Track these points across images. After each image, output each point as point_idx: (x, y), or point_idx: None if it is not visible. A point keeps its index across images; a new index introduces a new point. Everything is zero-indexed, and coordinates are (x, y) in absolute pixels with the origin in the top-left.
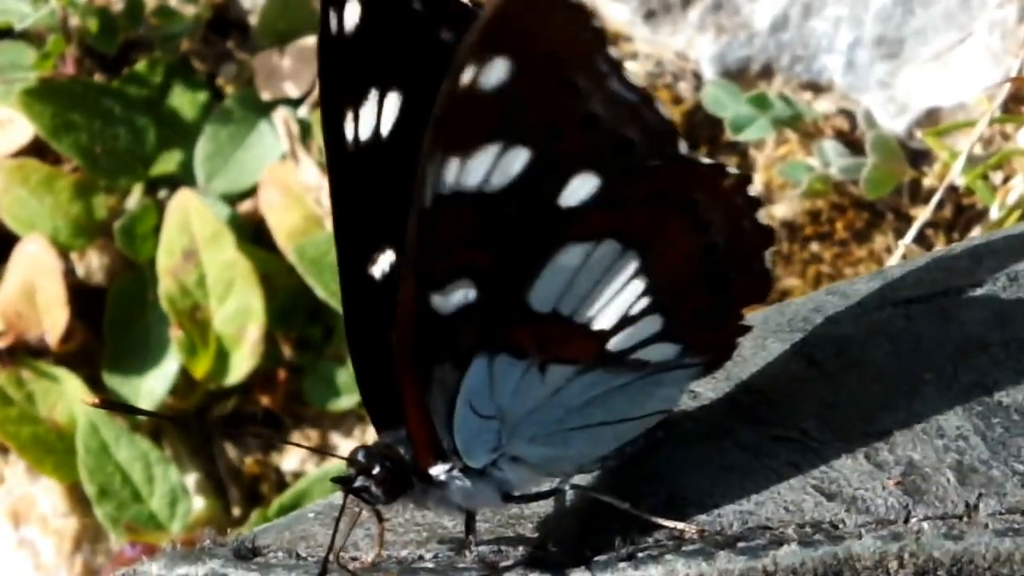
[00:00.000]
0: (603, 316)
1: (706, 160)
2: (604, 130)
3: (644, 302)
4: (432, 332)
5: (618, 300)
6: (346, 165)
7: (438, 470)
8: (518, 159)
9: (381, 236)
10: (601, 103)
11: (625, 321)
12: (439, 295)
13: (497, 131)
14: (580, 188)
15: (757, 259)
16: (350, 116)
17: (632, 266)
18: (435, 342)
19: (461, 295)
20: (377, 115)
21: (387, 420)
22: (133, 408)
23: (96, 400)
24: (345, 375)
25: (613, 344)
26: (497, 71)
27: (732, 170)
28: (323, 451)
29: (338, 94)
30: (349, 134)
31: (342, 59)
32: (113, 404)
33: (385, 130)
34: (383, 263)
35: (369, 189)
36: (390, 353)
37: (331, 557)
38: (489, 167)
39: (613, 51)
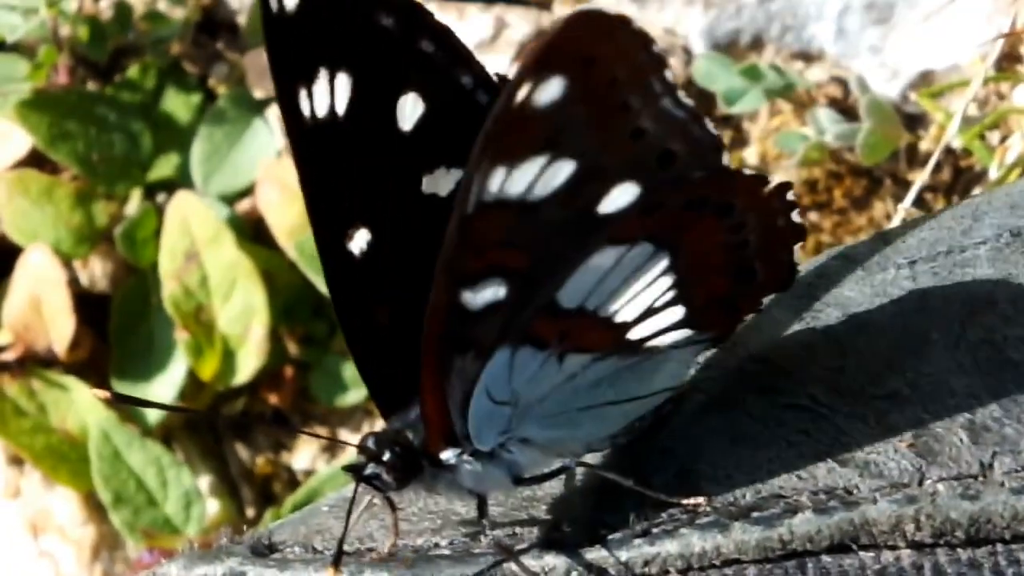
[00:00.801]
0: (627, 310)
1: (748, 171)
2: (650, 143)
3: (669, 295)
4: (458, 326)
5: (644, 296)
6: (307, 142)
7: (448, 454)
8: (563, 171)
9: (353, 214)
10: (650, 119)
11: (648, 313)
12: (470, 291)
13: (545, 145)
14: (621, 196)
15: (786, 252)
16: (303, 94)
17: (662, 264)
18: (460, 335)
19: (491, 292)
20: (330, 94)
21: (391, 401)
22: (143, 401)
23: (107, 395)
24: (351, 370)
25: (633, 333)
26: (552, 89)
27: (773, 179)
28: (334, 439)
29: (290, 71)
30: (306, 111)
31: (287, 37)
32: (124, 398)
33: (340, 109)
34: (360, 240)
35: (333, 167)
36: (384, 331)
37: (345, 547)
38: (534, 178)
39: (670, 74)
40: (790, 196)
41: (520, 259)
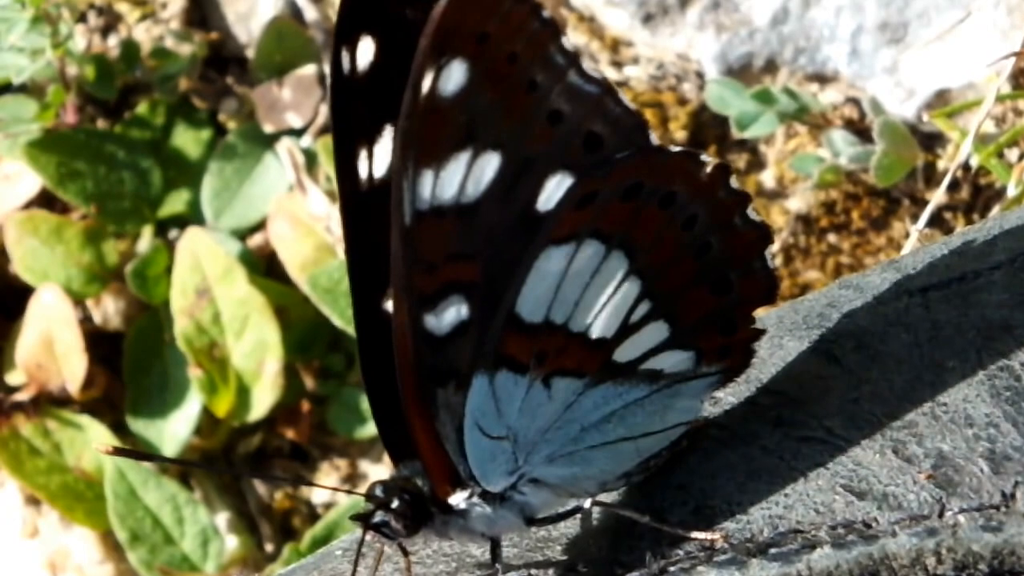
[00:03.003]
0: (600, 323)
1: (675, 148)
2: (571, 126)
3: (644, 308)
4: (430, 354)
5: (612, 305)
6: (360, 203)
7: (457, 498)
8: (490, 165)
9: None
10: (563, 98)
11: (627, 329)
12: (432, 315)
13: (464, 138)
14: (556, 191)
15: (757, 258)
16: (363, 154)
17: (621, 268)
18: (435, 364)
19: (454, 312)
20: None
21: (404, 452)
22: (149, 455)
23: (111, 448)
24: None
25: (619, 355)
26: (455, 75)
27: (706, 157)
28: (348, 490)
29: (351, 132)
30: (363, 172)
31: (355, 97)
32: (129, 452)
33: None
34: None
35: (382, 228)
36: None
37: None
38: (463, 176)
39: (567, 42)
40: (734, 183)
41: (472, 271)
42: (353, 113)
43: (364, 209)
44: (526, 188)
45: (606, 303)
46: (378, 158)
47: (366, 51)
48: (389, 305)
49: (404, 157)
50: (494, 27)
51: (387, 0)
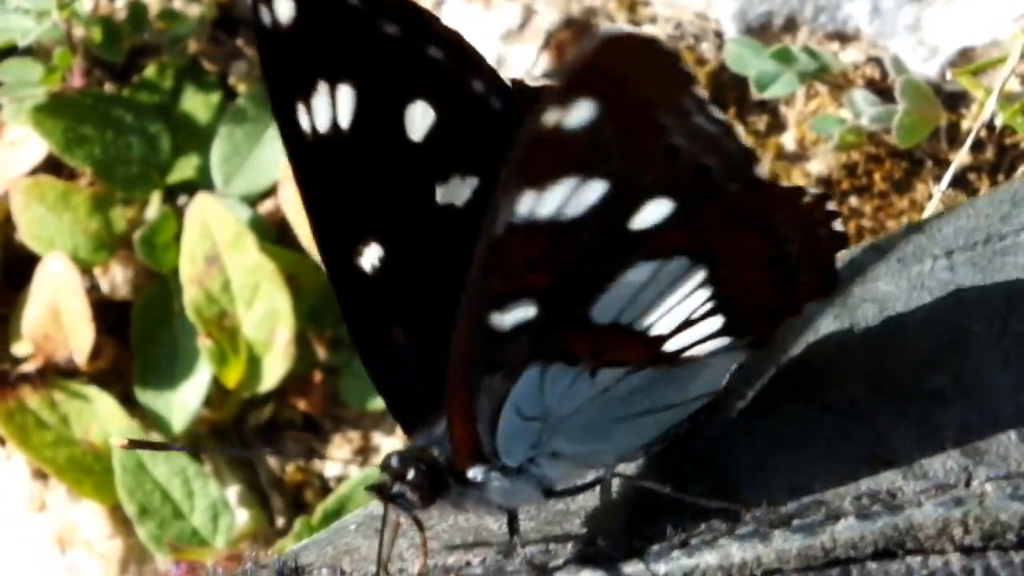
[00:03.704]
0: (663, 323)
1: (785, 184)
2: (683, 160)
3: (708, 307)
4: (487, 347)
5: (681, 308)
6: (309, 157)
7: (475, 471)
8: (595, 191)
9: (364, 229)
10: (683, 136)
11: (686, 325)
12: (499, 313)
13: (576, 167)
14: (654, 212)
15: (828, 261)
16: (302, 108)
17: (699, 277)
18: (489, 355)
19: (521, 313)
20: (332, 107)
21: (412, 417)
22: (163, 445)
23: (126, 443)
24: None
25: (669, 345)
26: (582, 112)
27: (812, 191)
28: (362, 460)
29: (286, 87)
30: (305, 125)
31: (283, 52)
32: (145, 444)
33: (344, 122)
34: (371, 256)
35: (338, 182)
36: (401, 346)
37: (368, 568)
38: (564, 199)
39: (700, 90)
40: (830, 206)
41: (550, 278)
42: (284, 67)
43: (315, 163)
44: (624, 210)
45: (674, 307)
46: (317, 111)
47: (285, 8)
48: (363, 261)
49: (511, 176)
50: (634, 75)
51: None
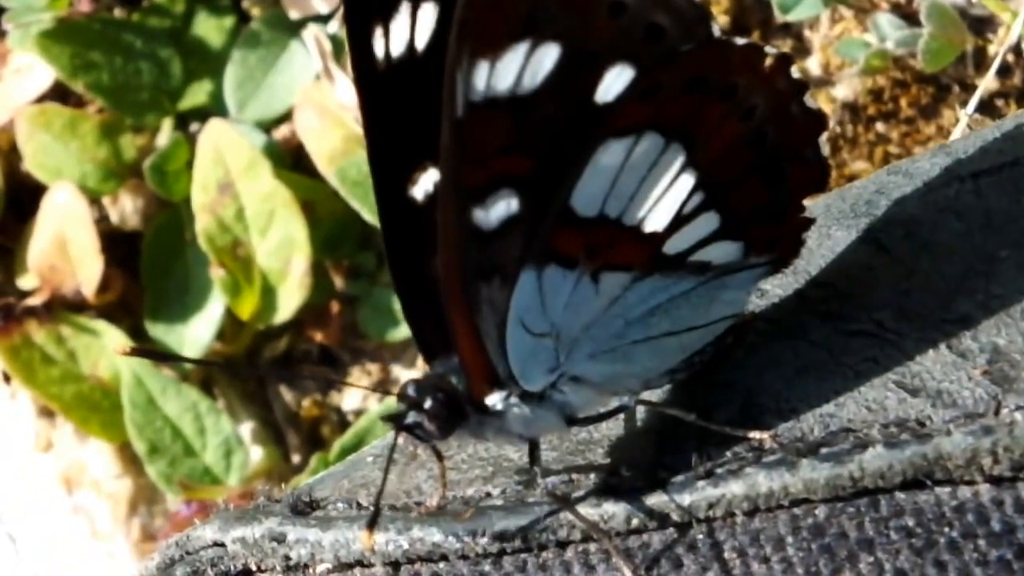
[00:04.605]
0: (654, 216)
1: (741, 40)
2: (632, 18)
3: (697, 199)
4: (477, 249)
5: (668, 198)
6: (379, 84)
7: (494, 398)
8: (548, 56)
9: (422, 154)
10: None
11: (679, 221)
12: (481, 209)
13: (524, 28)
14: (616, 82)
15: (811, 146)
16: (379, 32)
17: (678, 160)
18: (481, 259)
19: (503, 206)
20: (411, 29)
21: (437, 350)
22: (171, 355)
23: (128, 349)
24: None
25: (669, 246)
26: None
27: (770, 49)
28: (382, 391)
29: (365, 9)
30: (379, 51)
31: None
32: (149, 352)
33: (421, 44)
34: (425, 183)
35: (406, 107)
36: (434, 278)
37: (385, 503)
38: (520, 68)
39: None
40: (794, 73)
41: (525, 164)
42: None
43: (383, 90)
44: (584, 80)
45: (661, 196)
46: (395, 36)
47: None
48: (416, 191)
49: (460, 47)
50: None
51: None
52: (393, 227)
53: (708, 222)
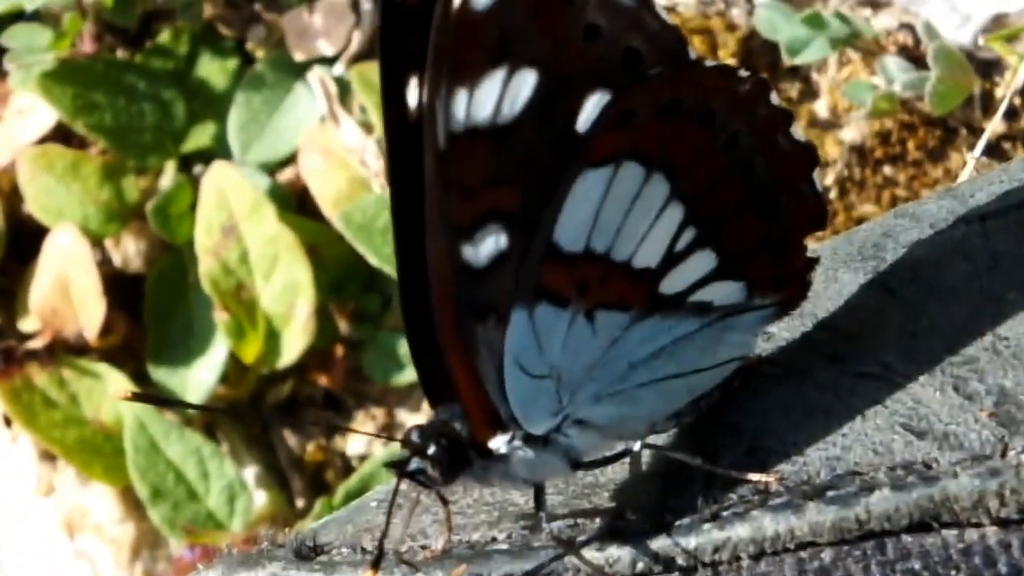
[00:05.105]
0: (644, 252)
1: (712, 62)
2: (608, 42)
3: (689, 235)
4: (469, 288)
5: (656, 232)
6: (406, 134)
7: (498, 442)
8: (526, 83)
9: None
10: (599, 12)
11: (672, 258)
12: (470, 245)
13: (499, 54)
14: (596, 110)
15: (804, 180)
16: (414, 83)
17: (662, 192)
18: (474, 299)
19: (493, 242)
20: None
21: (442, 395)
22: (173, 401)
23: (130, 394)
24: (407, 346)
25: (666, 286)
26: None
27: (744, 72)
28: (387, 436)
29: (400, 59)
30: (412, 102)
31: (406, 21)
32: (151, 398)
33: None
34: None
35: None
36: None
37: (390, 547)
38: (498, 96)
39: None
40: (775, 100)
41: (512, 198)
42: (402, 39)
43: (410, 141)
44: (564, 108)
45: (649, 230)
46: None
47: None
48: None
49: (437, 74)
50: None
51: None
52: (407, 276)
53: (704, 260)
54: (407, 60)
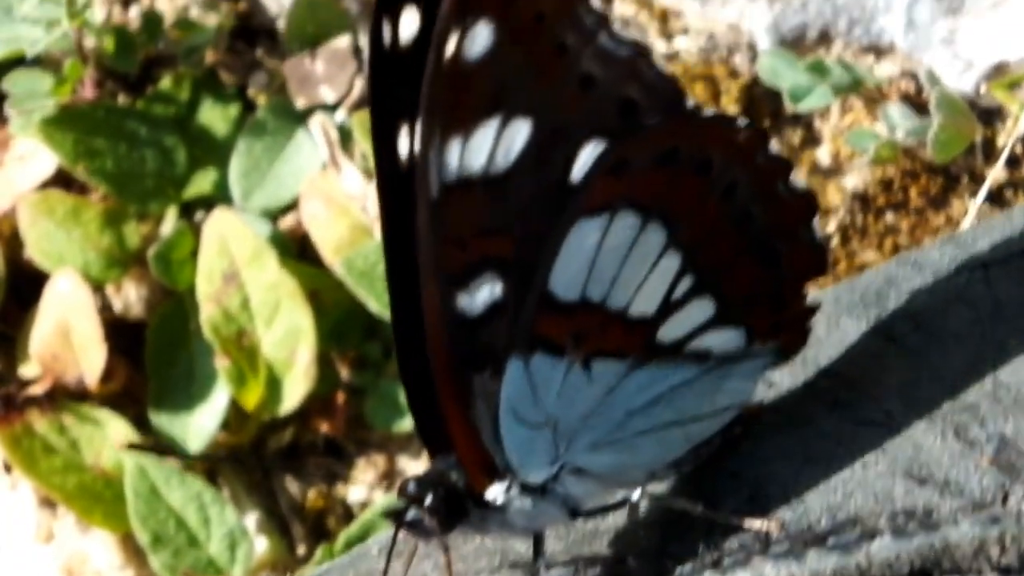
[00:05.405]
0: (641, 300)
1: (710, 112)
2: (604, 92)
3: (687, 283)
4: (465, 337)
5: (653, 281)
6: (398, 183)
7: (495, 492)
8: (520, 133)
9: None
10: (594, 61)
11: (670, 305)
12: (465, 294)
13: (493, 104)
14: (592, 159)
15: (803, 227)
16: (404, 132)
17: (659, 240)
18: (470, 348)
19: (487, 291)
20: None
21: (440, 445)
22: (173, 450)
23: (129, 444)
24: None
25: (663, 334)
26: (480, 37)
27: (742, 121)
28: (387, 484)
29: (391, 108)
30: (403, 151)
31: (396, 71)
32: (151, 448)
33: None
34: None
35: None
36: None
37: None
38: (492, 145)
39: (595, 2)
40: (774, 148)
41: (506, 246)
42: (394, 88)
43: (402, 190)
44: (559, 157)
45: (645, 278)
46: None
47: (410, 23)
48: None
49: (430, 124)
50: None
51: None
52: (403, 325)
53: (702, 308)
54: (399, 108)
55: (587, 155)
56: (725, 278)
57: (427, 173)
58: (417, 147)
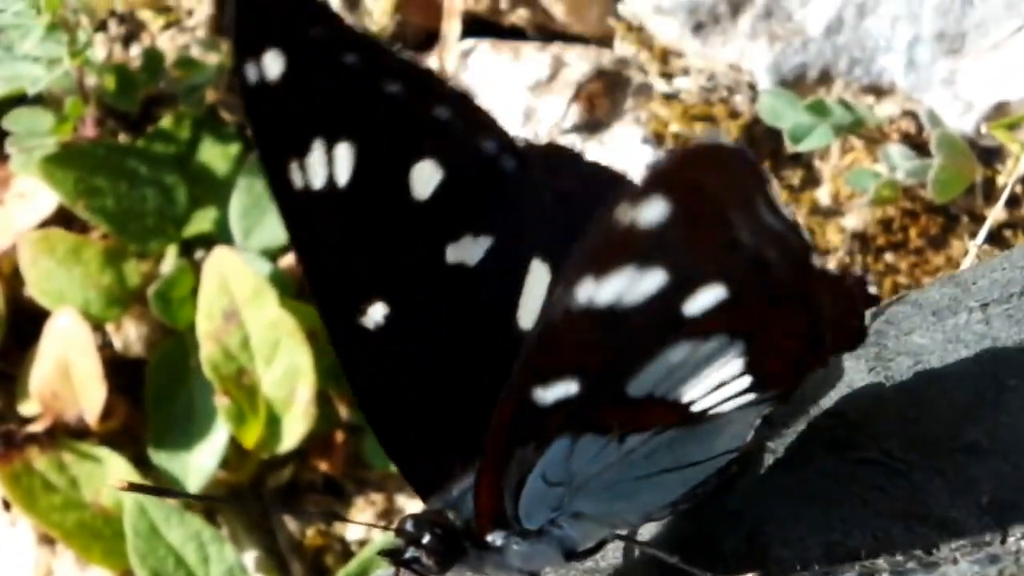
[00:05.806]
0: (695, 391)
1: (834, 271)
2: (744, 252)
3: (737, 369)
4: (527, 421)
5: (713, 377)
6: (304, 216)
7: (495, 536)
8: (653, 281)
9: (367, 287)
10: (749, 233)
11: (715, 388)
12: (542, 389)
13: (639, 257)
14: (706, 298)
15: (857, 319)
16: (295, 166)
17: (737, 351)
18: (527, 429)
19: (563, 389)
20: (328, 165)
21: (426, 478)
22: (171, 491)
23: (128, 484)
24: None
25: (698, 406)
26: (656, 211)
27: (856, 273)
28: (384, 526)
29: (278, 145)
30: (298, 183)
31: (273, 109)
32: (149, 488)
33: (342, 180)
34: (375, 315)
35: (338, 239)
36: (411, 407)
37: None
38: (623, 288)
39: (773, 190)
40: (871, 289)
41: (597, 358)
42: (275, 126)
43: (310, 221)
44: (677, 297)
45: (707, 377)
46: (313, 170)
47: (273, 63)
48: (366, 320)
49: (580, 269)
50: (713, 182)
51: (289, 18)
52: (352, 357)
53: (740, 385)
54: (284, 145)
55: (703, 294)
56: (771, 364)
57: (557, 300)
58: (314, 182)
